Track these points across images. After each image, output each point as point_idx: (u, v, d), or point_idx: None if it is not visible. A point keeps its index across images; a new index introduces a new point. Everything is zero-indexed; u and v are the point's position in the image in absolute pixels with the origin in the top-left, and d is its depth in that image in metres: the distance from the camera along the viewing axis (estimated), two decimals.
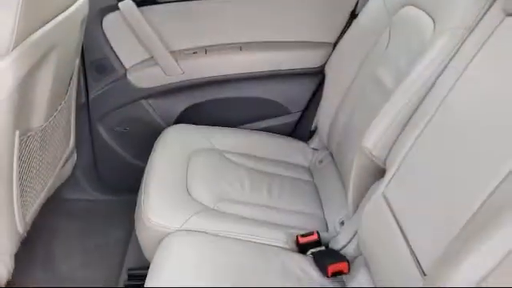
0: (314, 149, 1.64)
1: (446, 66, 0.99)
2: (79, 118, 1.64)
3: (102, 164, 1.80)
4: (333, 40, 1.62)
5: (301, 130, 1.74)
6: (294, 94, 1.71)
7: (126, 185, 1.64)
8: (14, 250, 1.19)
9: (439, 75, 0.99)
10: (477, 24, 0.95)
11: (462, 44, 0.96)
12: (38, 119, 1.18)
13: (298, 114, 1.73)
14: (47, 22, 1.08)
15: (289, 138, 1.69)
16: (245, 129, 1.72)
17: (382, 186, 1.04)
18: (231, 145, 1.56)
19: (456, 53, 0.97)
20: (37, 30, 1.04)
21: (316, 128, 1.65)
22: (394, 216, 0.96)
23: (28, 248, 1.39)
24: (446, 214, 0.81)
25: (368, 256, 1.03)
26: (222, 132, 1.62)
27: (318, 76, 1.66)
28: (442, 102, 0.95)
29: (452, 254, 0.72)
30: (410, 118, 1.04)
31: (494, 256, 0.64)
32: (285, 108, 1.72)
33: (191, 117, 1.70)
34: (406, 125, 1.05)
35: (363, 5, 1.51)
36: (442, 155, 0.89)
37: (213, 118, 1.68)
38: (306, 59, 1.65)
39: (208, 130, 1.61)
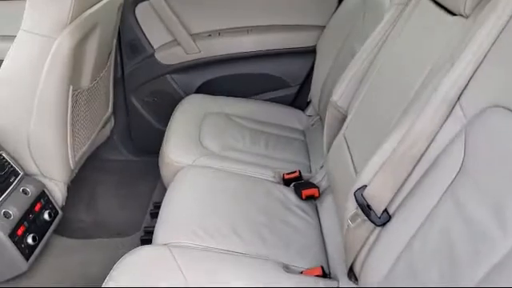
0: (308, 115, 1.95)
1: (390, 33, 1.28)
2: (116, 90, 2.01)
3: (135, 129, 2.17)
4: (324, 23, 1.92)
5: (300, 100, 2.05)
6: (294, 70, 2.02)
7: (155, 147, 1.97)
8: (67, 181, 1.56)
9: (385, 40, 1.29)
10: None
11: (400, 15, 1.26)
12: (84, 81, 1.55)
13: (297, 87, 2.05)
14: (92, 6, 1.44)
15: (288, 107, 2.00)
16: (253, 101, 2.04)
17: (343, 128, 1.35)
18: (238, 110, 1.89)
19: (397, 22, 1.26)
20: (85, 11, 1.40)
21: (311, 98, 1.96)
22: (348, 147, 1.26)
23: (75, 193, 1.77)
24: (376, 135, 1.12)
25: (330, 180, 1.34)
26: (232, 100, 1.95)
27: (313, 54, 1.96)
28: (383, 61, 1.25)
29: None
30: (365, 73, 1.34)
31: (384, 154, 0.95)
32: (286, 82, 2.04)
33: (207, 89, 2.03)
34: (362, 79, 1.35)
35: None
36: (378, 96, 1.19)
37: (225, 91, 2.01)
38: (303, 39, 1.97)
39: (220, 98, 1.95)
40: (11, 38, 1.36)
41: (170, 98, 2.05)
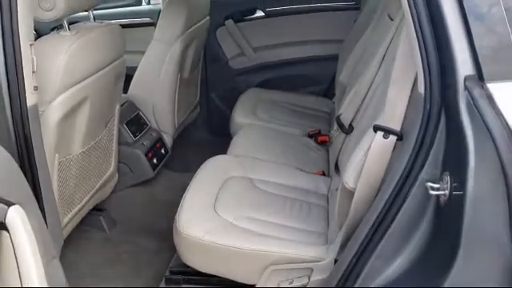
0: (333, 102, 2.76)
1: (371, 33, 2.10)
2: (201, 87, 2.94)
3: (213, 116, 3.07)
4: (344, 37, 2.75)
5: (329, 93, 2.87)
6: (324, 72, 2.86)
7: (227, 129, 2.85)
8: (173, 135, 2.48)
9: (370, 38, 2.10)
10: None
11: (377, 24, 2.07)
12: (186, 73, 2.49)
13: (327, 84, 2.87)
14: (192, 26, 2.39)
15: (320, 97, 2.83)
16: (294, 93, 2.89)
17: (343, 98, 2.15)
18: (282, 98, 2.73)
19: (376, 27, 2.08)
20: (188, 29, 2.34)
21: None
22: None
23: (174, 152, 2.67)
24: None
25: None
26: (278, 92, 2.80)
27: (337, 59, 2.79)
28: (364, 50, 2.06)
29: None
30: (358, 60, 2.15)
31: (351, 96, 1.75)
32: (318, 80, 2.88)
33: (263, 85, 2.91)
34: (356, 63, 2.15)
35: (359, 14, 2.64)
36: (360, 72, 2.00)
37: (275, 86, 2.87)
38: (330, 49, 2.81)
39: (270, 91, 2.81)
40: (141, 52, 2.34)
41: (237, 93, 2.93)
